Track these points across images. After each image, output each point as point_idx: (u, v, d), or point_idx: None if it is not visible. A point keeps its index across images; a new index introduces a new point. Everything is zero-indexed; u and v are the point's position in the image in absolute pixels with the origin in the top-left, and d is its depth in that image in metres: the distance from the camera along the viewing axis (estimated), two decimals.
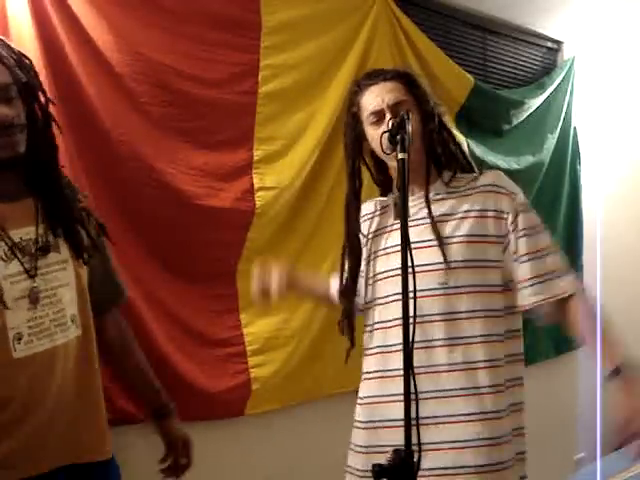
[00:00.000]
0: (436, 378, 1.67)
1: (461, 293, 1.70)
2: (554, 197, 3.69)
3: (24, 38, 1.94)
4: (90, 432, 1.61)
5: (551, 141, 3.64)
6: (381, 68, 1.88)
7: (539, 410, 3.54)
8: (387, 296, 1.77)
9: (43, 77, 1.77)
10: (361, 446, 1.77)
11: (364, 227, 1.88)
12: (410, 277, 1.40)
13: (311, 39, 2.60)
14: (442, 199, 1.78)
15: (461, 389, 1.68)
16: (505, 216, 1.75)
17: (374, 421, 1.76)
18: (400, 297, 1.40)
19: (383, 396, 1.74)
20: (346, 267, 1.86)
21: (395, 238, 1.77)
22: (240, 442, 2.45)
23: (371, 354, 1.80)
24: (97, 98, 2.09)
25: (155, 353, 2.15)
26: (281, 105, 2.51)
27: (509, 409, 1.71)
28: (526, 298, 1.74)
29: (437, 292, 1.70)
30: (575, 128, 3.81)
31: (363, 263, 1.85)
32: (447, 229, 1.73)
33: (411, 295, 1.41)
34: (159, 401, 1.87)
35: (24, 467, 1.48)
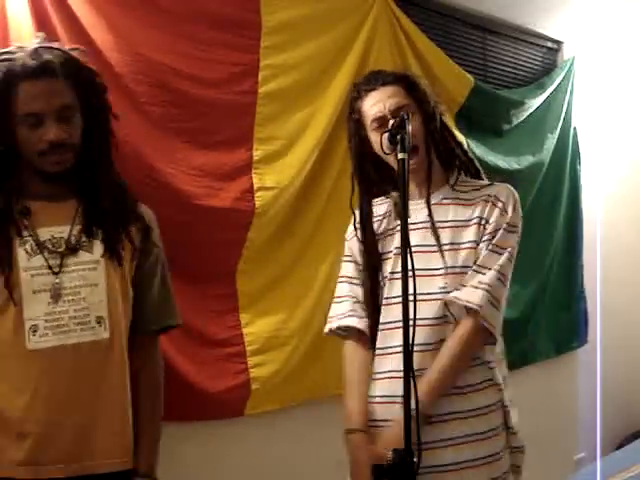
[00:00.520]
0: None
1: None
2: (554, 197, 3.69)
3: (24, 38, 1.94)
4: (107, 440, 1.59)
5: (551, 141, 3.63)
6: (379, 70, 1.88)
7: (539, 410, 3.55)
8: (388, 298, 1.77)
9: None
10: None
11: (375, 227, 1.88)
12: (410, 279, 1.41)
13: (311, 39, 2.60)
14: (448, 204, 1.79)
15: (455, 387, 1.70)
16: (486, 225, 1.75)
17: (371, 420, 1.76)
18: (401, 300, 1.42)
19: (384, 397, 1.75)
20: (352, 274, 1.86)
21: (398, 240, 1.78)
22: (240, 442, 2.44)
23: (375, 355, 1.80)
24: None
25: None
26: (281, 105, 2.51)
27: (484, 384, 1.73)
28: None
29: (437, 296, 1.71)
30: (575, 128, 3.81)
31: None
32: (450, 235, 1.74)
33: (411, 298, 1.42)
34: (144, 462, 1.70)
35: (24, 471, 1.49)
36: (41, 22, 1.98)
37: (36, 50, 1.56)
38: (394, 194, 1.85)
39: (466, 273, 1.72)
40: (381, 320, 1.78)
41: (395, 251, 1.79)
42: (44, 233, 1.58)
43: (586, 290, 3.94)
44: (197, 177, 2.30)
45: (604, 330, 3.91)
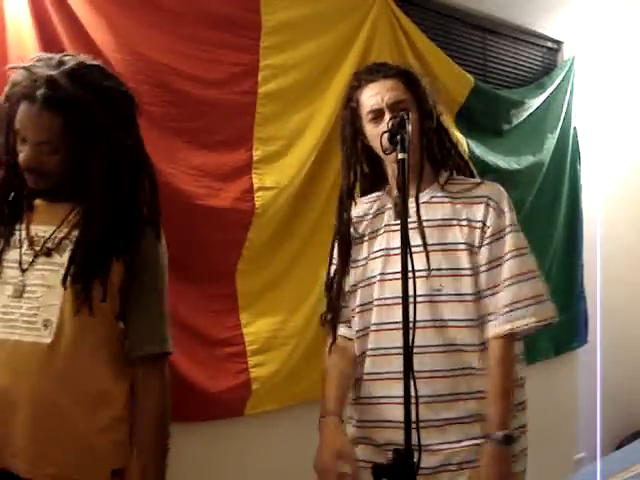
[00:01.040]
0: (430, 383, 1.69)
1: (445, 301, 1.72)
2: (554, 197, 3.69)
3: (24, 38, 1.94)
4: (20, 446, 1.52)
5: (551, 141, 3.64)
6: (382, 62, 1.87)
7: (539, 410, 3.53)
8: (380, 299, 1.77)
9: None
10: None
11: (361, 227, 1.87)
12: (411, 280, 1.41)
13: (311, 39, 2.60)
14: (436, 203, 1.77)
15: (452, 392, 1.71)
16: (485, 228, 1.74)
17: (370, 421, 1.77)
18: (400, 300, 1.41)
19: (382, 398, 1.75)
20: (334, 260, 1.85)
21: (392, 240, 1.77)
22: (240, 442, 2.45)
23: (367, 356, 1.80)
24: None
25: None
26: (281, 105, 2.51)
27: (514, 409, 1.72)
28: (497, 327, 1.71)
29: (427, 299, 1.71)
30: (575, 128, 3.81)
31: (360, 264, 1.84)
32: (436, 235, 1.73)
33: (411, 300, 1.42)
34: None
35: None
36: (41, 22, 1.98)
37: (56, 79, 1.53)
38: (388, 195, 1.84)
39: (455, 275, 1.71)
40: (374, 321, 1.77)
41: (386, 252, 1.78)
42: (31, 230, 1.61)
43: (586, 290, 3.94)
44: (197, 177, 2.30)
45: (604, 330, 3.91)
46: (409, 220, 1.71)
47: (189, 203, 2.26)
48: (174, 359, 2.21)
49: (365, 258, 1.83)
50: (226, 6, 2.39)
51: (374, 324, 1.78)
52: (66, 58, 1.60)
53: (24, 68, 1.56)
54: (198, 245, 2.30)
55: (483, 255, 1.73)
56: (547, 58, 3.85)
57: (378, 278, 1.78)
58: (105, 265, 1.58)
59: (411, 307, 1.41)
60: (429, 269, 1.70)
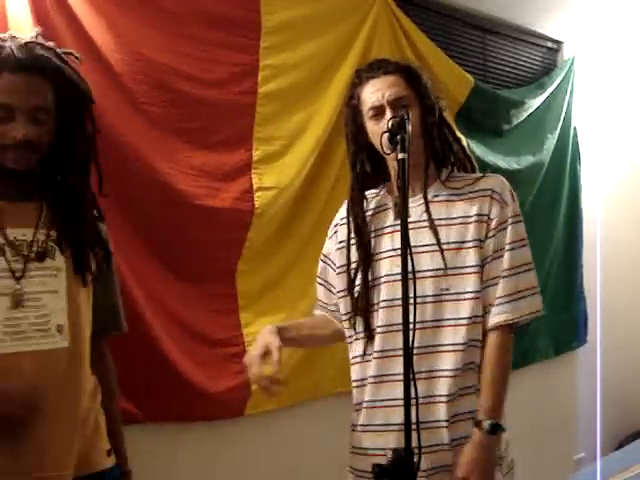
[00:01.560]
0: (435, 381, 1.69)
1: (459, 299, 1.72)
2: (554, 197, 3.69)
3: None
4: (59, 451, 1.52)
5: (551, 141, 3.64)
6: (383, 59, 1.86)
7: (539, 410, 3.55)
8: (386, 300, 1.76)
9: None
10: (361, 448, 1.78)
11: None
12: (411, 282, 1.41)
13: (311, 39, 2.60)
14: (441, 201, 1.77)
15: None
16: (489, 221, 1.74)
17: (374, 424, 1.76)
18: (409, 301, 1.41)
19: (383, 400, 1.74)
20: (352, 260, 1.84)
21: (397, 240, 1.77)
22: (240, 442, 2.45)
23: (371, 359, 1.79)
24: (96, 98, 2.08)
25: (155, 353, 2.16)
26: (280, 105, 2.51)
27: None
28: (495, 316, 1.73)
29: (439, 298, 1.71)
30: (575, 128, 3.81)
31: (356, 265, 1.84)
32: (445, 234, 1.73)
33: (411, 301, 1.42)
34: (125, 461, 1.71)
35: None
36: (41, 22, 1.97)
37: (27, 44, 1.51)
38: (389, 193, 1.84)
39: (469, 273, 1.72)
40: (380, 323, 1.76)
41: (392, 252, 1.77)
42: (8, 234, 1.50)
43: (586, 290, 3.94)
44: (197, 177, 2.30)
45: (604, 330, 3.91)
46: (418, 219, 1.73)
47: (189, 203, 2.26)
48: (174, 359, 2.22)
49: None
50: (226, 6, 2.39)
51: (380, 325, 1.77)
52: (17, 34, 1.55)
53: None
54: (198, 245, 2.30)
55: (488, 248, 1.74)
56: (547, 58, 3.85)
57: (384, 280, 1.77)
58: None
59: (411, 308, 1.41)
60: (445, 268, 1.70)
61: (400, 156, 1.48)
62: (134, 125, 2.16)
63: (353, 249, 1.83)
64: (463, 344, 1.70)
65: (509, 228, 1.74)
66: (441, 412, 1.68)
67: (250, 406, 2.41)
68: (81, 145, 1.59)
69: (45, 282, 1.52)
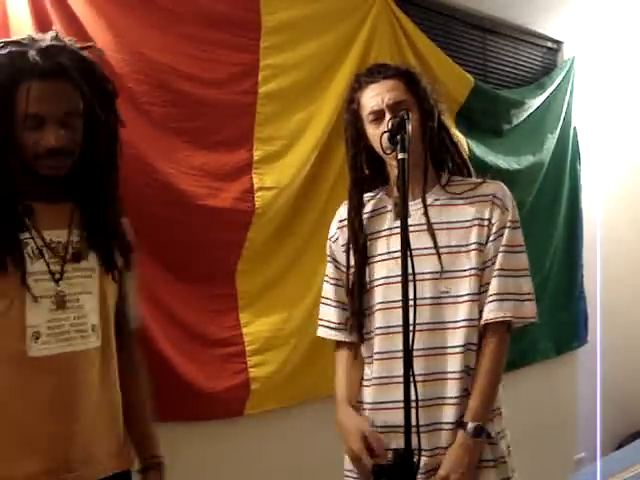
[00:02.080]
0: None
1: (456, 302, 1.72)
2: (554, 197, 3.69)
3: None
4: (103, 447, 1.57)
5: (551, 141, 3.64)
6: (383, 63, 1.88)
7: (539, 410, 3.55)
8: (383, 302, 1.77)
9: None
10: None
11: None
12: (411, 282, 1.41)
13: (311, 39, 2.60)
14: (441, 205, 1.78)
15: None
16: (491, 226, 1.76)
17: (374, 426, 1.76)
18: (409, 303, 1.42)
19: (387, 402, 1.74)
20: (352, 264, 1.85)
21: (397, 242, 1.77)
22: (240, 442, 2.45)
23: (372, 360, 1.79)
24: None
25: (154, 353, 2.15)
26: (281, 105, 2.51)
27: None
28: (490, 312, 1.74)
29: (438, 301, 1.71)
30: (575, 128, 3.81)
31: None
32: (445, 237, 1.74)
33: (411, 303, 1.43)
34: (150, 450, 1.73)
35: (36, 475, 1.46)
36: (41, 22, 1.98)
37: (49, 49, 1.50)
38: (388, 196, 1.84)
39: (468, 276, 1.72)
40: (378, 325, 1.77)
41: (386, 256, 1.78)
42: (45, 236, 1.52)
43: (586, 290, 3.94)
44: (197, 177, 2.30)
45: (604, 330, 3.91)
46: (417, 223, 1.74)
47: (189, 203, 2.26)
48: (174, 359, 2.22)
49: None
50: (226, 6, 2.39)
51: (378, 327, 1.78)
52: (36, 36, 1.55)
53: (16, 43, 1.50)
54: (198, 245, 2.30)
55: (488, 252, 1.75)
56: (547, 58, 3.85)
57: (379, 282, 1.77)
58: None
59: (411, 310, 1.41)
60: (442, 271, 1.71)
61: (400, 156, 1.48)
62: (134, 125, 2.15)
63: (352, 252, 1.84)
64: (462, 346, 1.71)
65: (506, 232, 1.75)
66: (449, 414, 1.69)
67: (249, 406, 2.41)
68: (109, 141, 1.61)
69: (82, 283, 1.55)
